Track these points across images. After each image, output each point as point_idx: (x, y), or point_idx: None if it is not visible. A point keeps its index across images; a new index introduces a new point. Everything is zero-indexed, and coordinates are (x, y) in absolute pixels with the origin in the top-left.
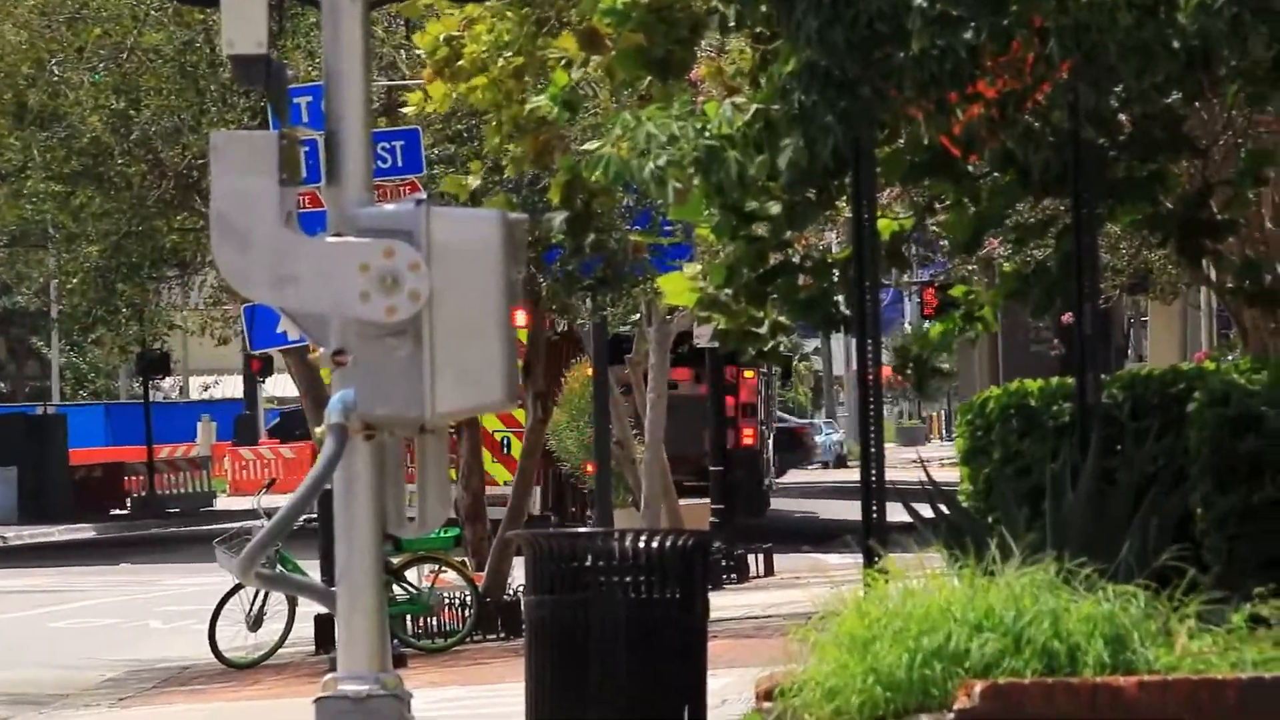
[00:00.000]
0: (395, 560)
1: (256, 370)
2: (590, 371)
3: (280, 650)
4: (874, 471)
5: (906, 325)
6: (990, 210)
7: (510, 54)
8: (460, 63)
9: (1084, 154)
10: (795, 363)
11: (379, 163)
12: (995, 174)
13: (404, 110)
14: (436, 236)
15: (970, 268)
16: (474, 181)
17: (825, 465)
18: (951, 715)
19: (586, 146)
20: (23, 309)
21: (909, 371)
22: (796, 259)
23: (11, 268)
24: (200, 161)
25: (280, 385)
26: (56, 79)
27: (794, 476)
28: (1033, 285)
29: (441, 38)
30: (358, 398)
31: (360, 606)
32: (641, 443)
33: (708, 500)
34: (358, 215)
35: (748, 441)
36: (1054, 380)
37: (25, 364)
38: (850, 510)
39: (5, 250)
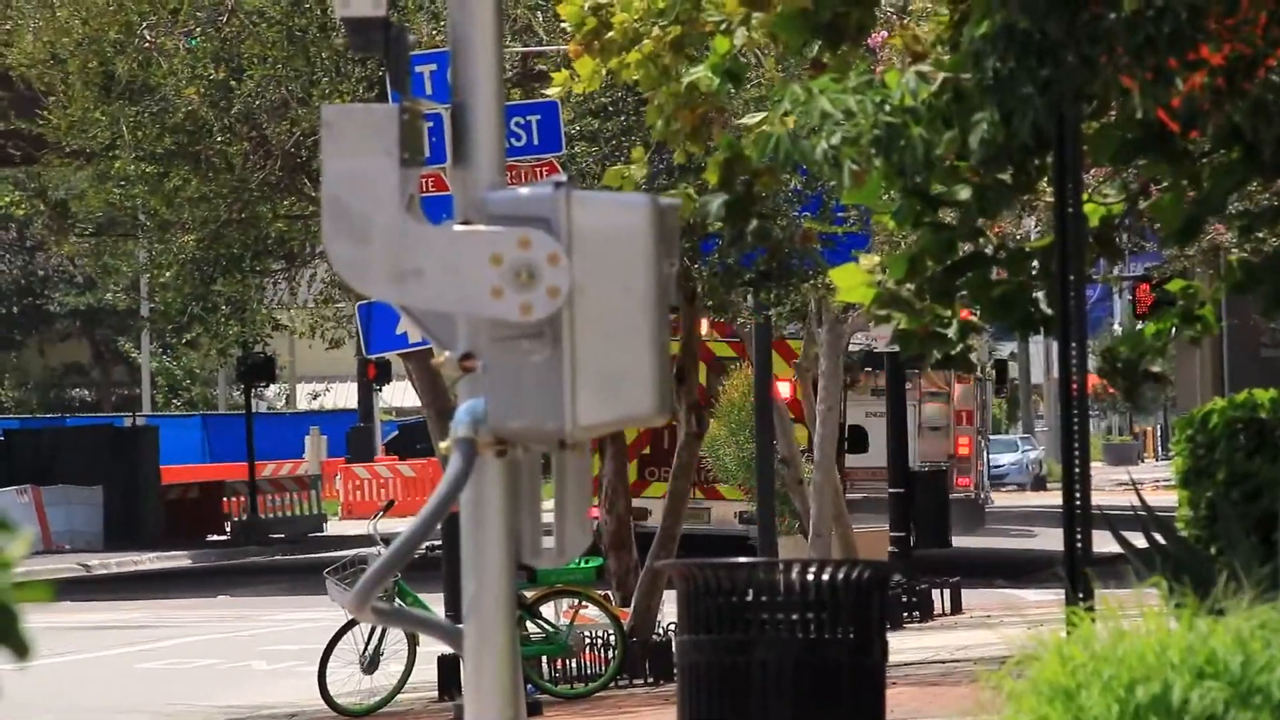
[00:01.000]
0: (529, 594)
1: (372, 377)
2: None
3: (399, 696)
4: (1079, 495)
5: (1116, 326)
6: (1212, 193)
7: (666, 23)
8: (610, 34)
9: None
10: (991, 367)
11: (512, 140)
12: (1219, 152)
13: (548, 91)
14: (578, 224)
15: (1194, 259)
16: (639, 172)
17: (1021, 488)
18: None
19: (747, 120)
20: (110, 307)
21: (1117, 378)
22: (989, 250)
23: (97, 260)
24: (310, 139)
25: (399, 394)
26: (148, 45)
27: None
28: (1262, 279)
29: (587, 6)
30: (488, 408)
31: (491, 646)
32: (811, 461)
33: (885, 528)
34: (488, 200)
35: (963, 451)
36: None
37: (112, 369)
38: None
39: (91, 240)
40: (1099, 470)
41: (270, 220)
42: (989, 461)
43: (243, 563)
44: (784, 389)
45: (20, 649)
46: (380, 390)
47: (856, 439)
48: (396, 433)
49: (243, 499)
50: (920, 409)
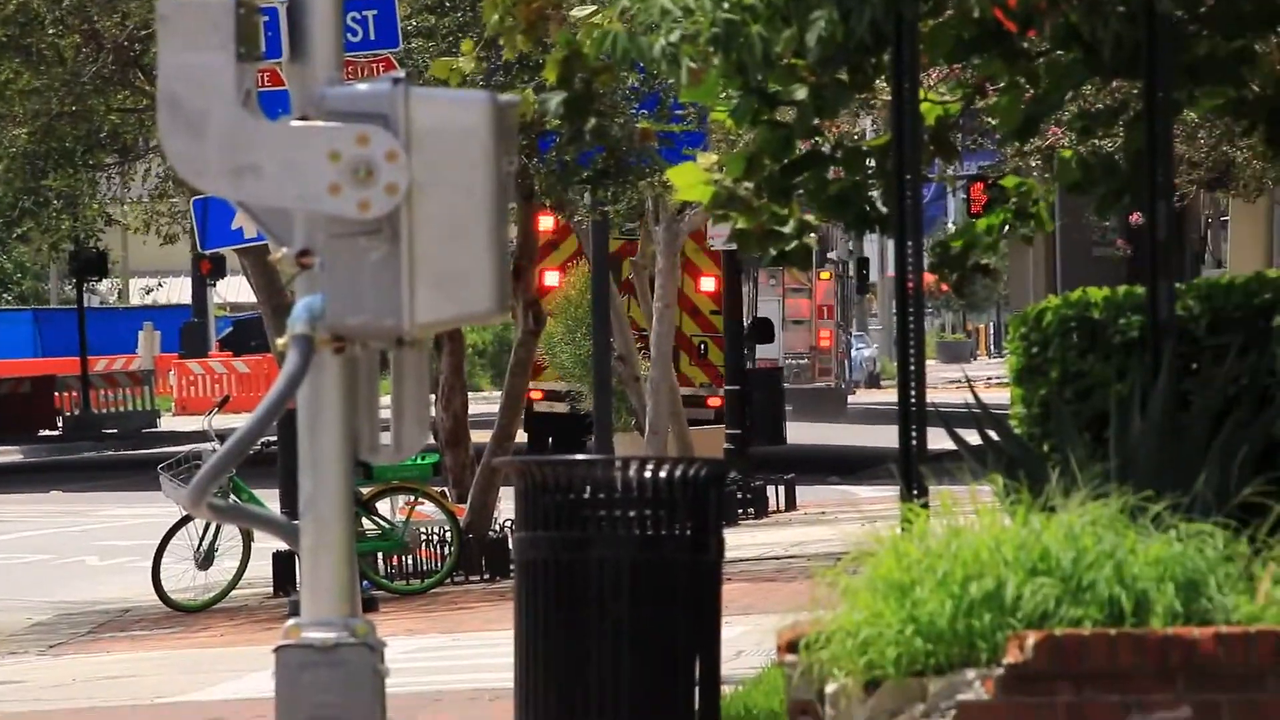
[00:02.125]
0: (366, 490)
1: (206, 272)
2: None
3: (233, 592)
4: (914, 392)
5: (950, 225)
6: (1050, 93)
7: None
8: None
9: (1159, 29)
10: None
11: (349, 36)
12: (1056, 52)
13: None
14: (417, 121)
15: (1034, 162)
16: (468, 65)
17: (856, 385)
18: (1001, 670)
19: (578, 12)
20: None
21: (947, 271)
22: (826, 148)
23: None
24: (144, 33)
25: (234, 289)
26: None
27: None
28: (1097, 180)
29: None
30: (326, 305)
31: (327, 543)
32: (647, 358)
33: (721, 425)
34: (326, 96)
35: (825, 344)
36: (1121, 289)
37: None
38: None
39: None
40: (933, 368)
41: (103, 114)
42: (850, 354)
43: (75, 458)
44: (708, 284)
45: None
46: (214, 285)
47: (763, 330)
48: (231, 328)
49: (75, 394)
50: (784, 304)
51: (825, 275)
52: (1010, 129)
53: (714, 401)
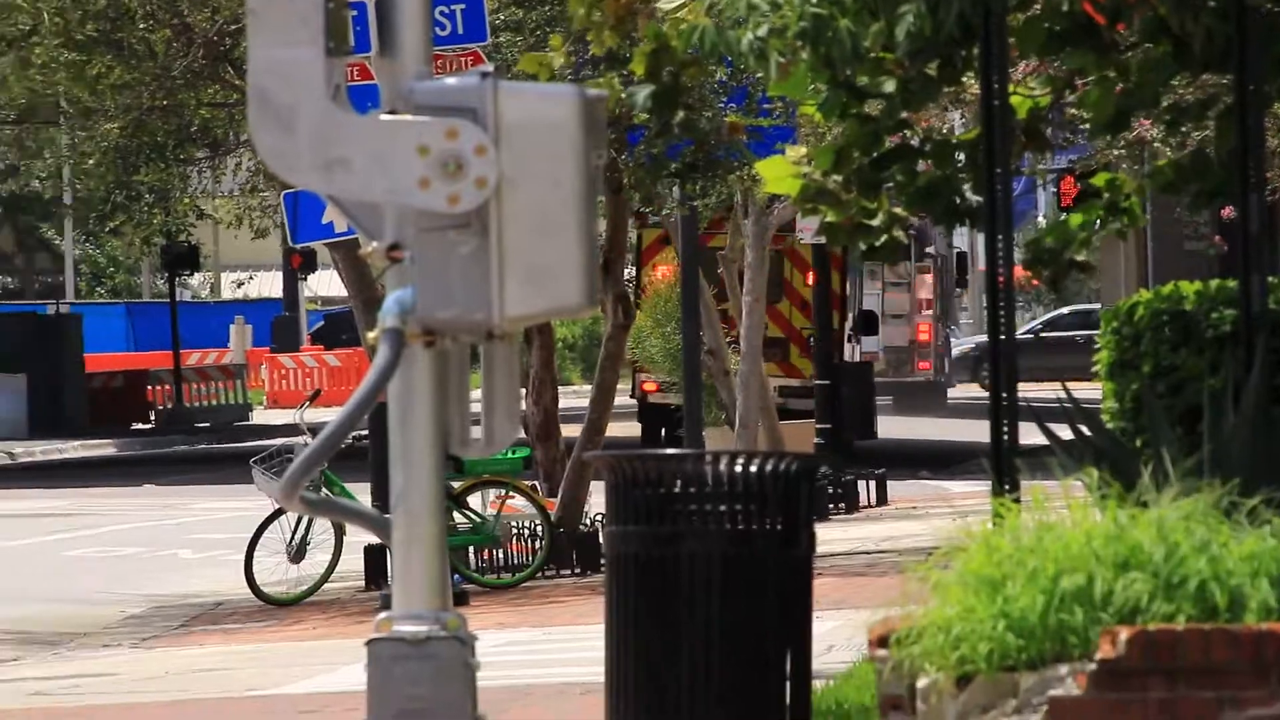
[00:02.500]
0: (457, 485)
1: (297, 266)
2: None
3: (326, 585)
4: (1005, 387)
5: (1040, 219)
6: (1141, 87)
7: None
8: None
9: (1250, 23)
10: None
11: (437, 30)
12: (1146, 45)
13: None
14: (505, 116)
15: (1118, 152)
16: (557, 59)
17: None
18: (1094, 666)
19: (668, 6)
20: (33, 194)
21: (1042, 268)
22: (915, 142)
23: (20, 147)
24: (234, 27)
25: (324, 284)
26: None
27: None
28: (1189, 179)
29: None
30: (416, 299)
31: (419, 536)
32: (737, 353)
33: (811, 420)
34: (415, 90)
35: (924, 337)
36: (1213, 283)
37: (35, 257)
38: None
39: (12, 128)
40: None
41: (194, 108)
42: (949, 348)
43: (168, 452)
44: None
45: None
46: (305, 279)
47: (868, 323)
48: (322, 322)
49: (167, 388)
50: (884, 298)
51: (925, 269)
52: (1101, 122)
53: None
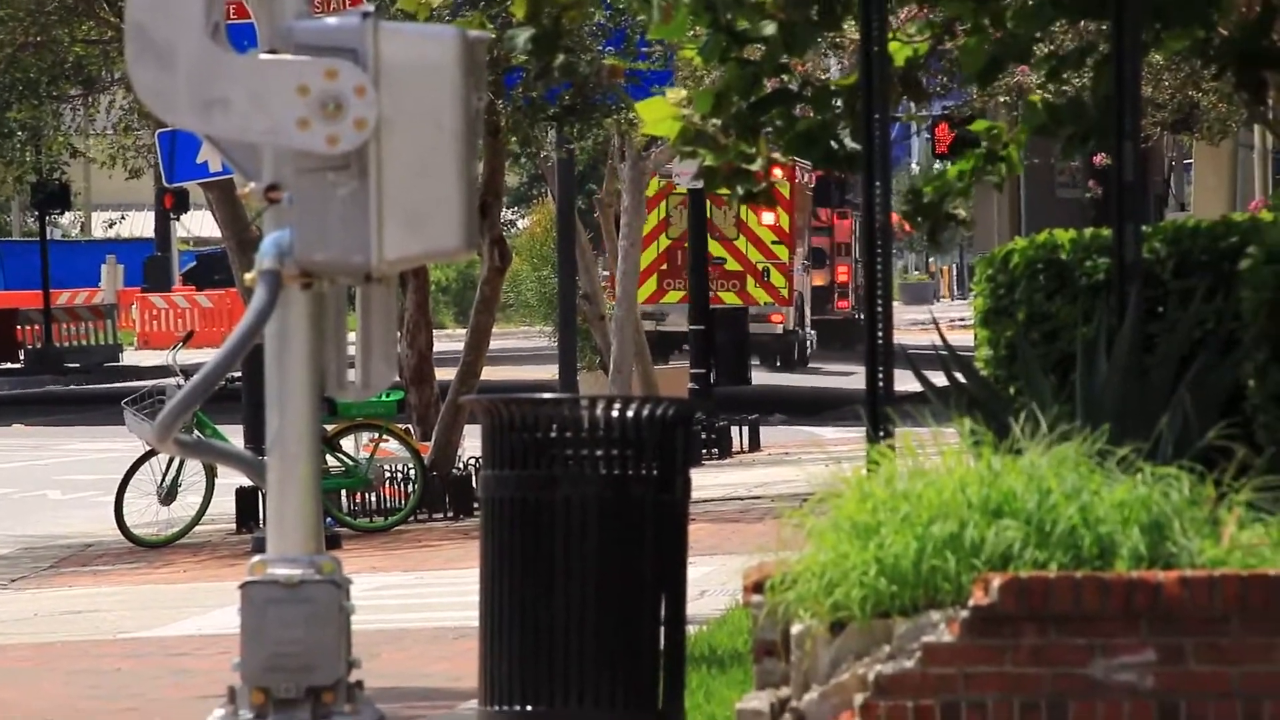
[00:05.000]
0: (330, 427)
1: (170, 206)
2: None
3: (196, 528)
4: (881, 333)
5: (914, 165)
6: (1015, 36)
7: None
8: None
9: None
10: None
11: None
12: None
13: None
14: (386, 56)
15: (1002, 99)
16: None
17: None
18: (966, 612)
19: None
20: None
21: (920, 219)
22: (794, 87)
23: None
24: None
25: (197, 224)
26: None
27: None
28: (1065, 121)
29: None
30: (294, 240)
31: (294, 479)
32: (612, 297)
33: (685, 365)
34: (294, 29)
35: (843, 278)
36: (1088, 231)
37: None
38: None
39: None
40: (896, 309)
41: (68, 44)
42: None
43: (37, 392)
44: (769, 218)
45: None
46: (178, 219)
47: (818, 259)
48: (194, 263)
49: (37, 327)
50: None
51: (844, 215)
52: (974, 71)
53: (776, 318)
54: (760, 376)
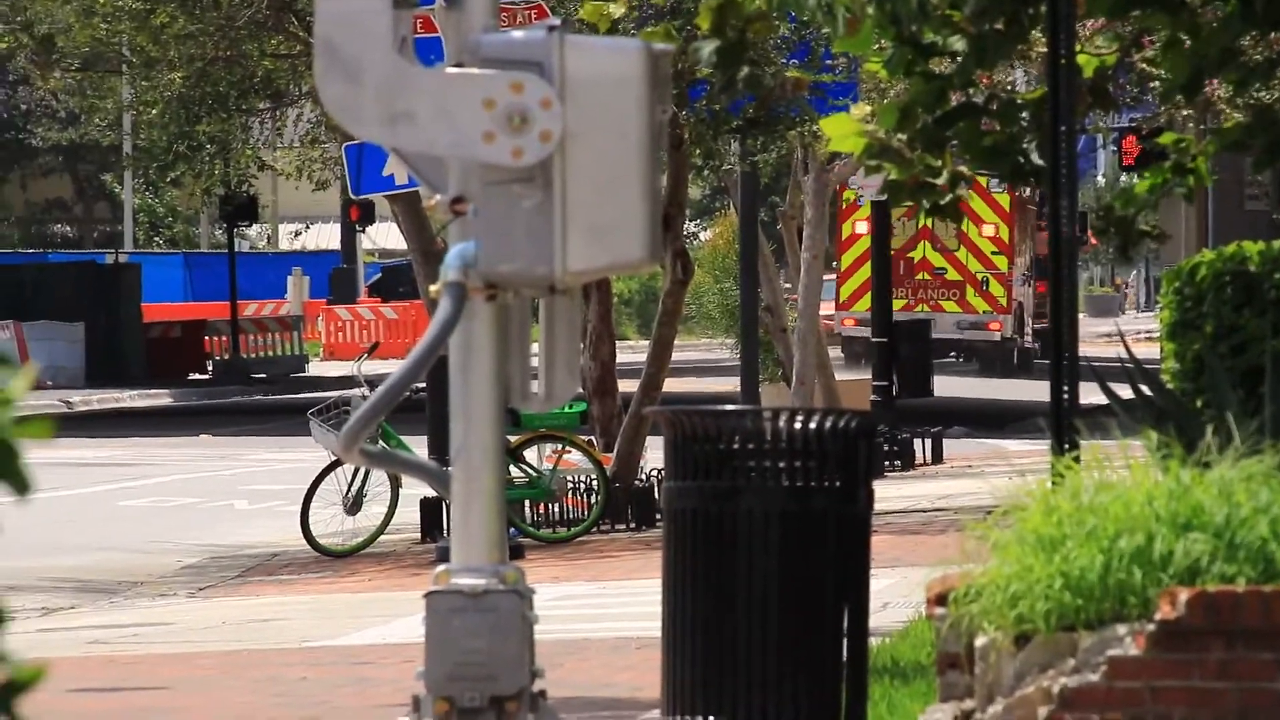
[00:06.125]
0: (514, 439)
1: (356, 218)
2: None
3: (381, 537)
4: (1066, 346)
5: (1100, 178)
6: (1211, 48)
7: None
8: None
9: None
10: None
11: None
12: (1214, 2)
13: None
14: (571, 69)
15: (1185, 112)
16: (617, 9)
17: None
18: (1153, 626)
19: None
20: (93, 143)
21: (1112, 234)
22: (980, 100)
23: (82, 96)
24: None
25: (383, 236)
26: None
27: None
28: (1256, 135)
29: None
30: (479, 252)
31: (478, 490)
32: (795, 309)
33: (867, 377)
34: (481, 43)
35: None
36: (1277, 244)
37: (94, 206)
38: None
39: (75, 76)
40: (1081, 322)
41: (257, 59)
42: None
43: (224, 402)
44: (989, 230)
45: (20, 484)
46: (363, 231)
47: (1041, 268)
48: (379, 275)
49: (225, 339)
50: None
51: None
52: (1177, 85)
53: (994, 326)
54: (971, 383)
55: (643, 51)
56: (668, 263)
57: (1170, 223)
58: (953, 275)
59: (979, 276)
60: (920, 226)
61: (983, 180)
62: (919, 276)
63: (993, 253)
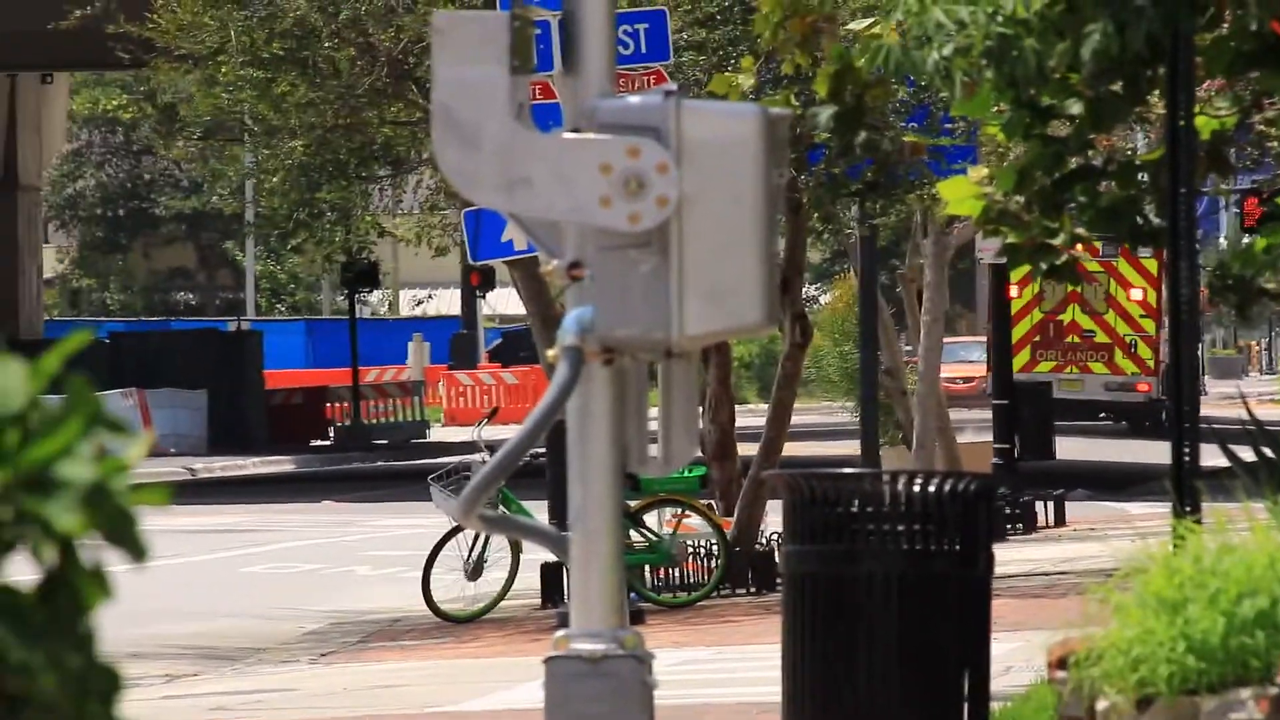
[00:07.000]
0: (633, 502)
1: (476, 284)
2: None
3: (502, 602)
4: (1187, 408)
5: (1222, 240)
6: None
7: None
8: None
9: None
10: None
11: (620, 49)
12: None
13: None
14: (688, 134)
15: None
16: (747, 81)
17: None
18: (1276, 690)
19: (855, 26)
20: (215, 211)
21: (1229, 295)
22: (1099, 162)
23: (204, 164)
24: (418, 46)
25: (503, 301)
26: None
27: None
28: None
29: None
30: (596, 317)
31: (597, 554)
32: (914, 372)
33: (988, 439)
34: (598, 108)
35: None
36: None
37: (217, 273)
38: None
39: (197, 144)
40: (1205, 384)
41: (377, 126)
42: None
43: (346, 468)
44: (1137, 294)
45: (137, 551)
46: (484, 297)
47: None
48: (500, 340)
49: (346, 405)
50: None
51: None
52: None
53: (1142, 387)
54: (1118, 445)
55: (759, 116)
56: (787, 326)
57: None
58: (1101, 338)
59: (1127, 339)
60: (1070, 290)
61: (1097, 244)
62: (1068, 339)
63: (1140, 316)
